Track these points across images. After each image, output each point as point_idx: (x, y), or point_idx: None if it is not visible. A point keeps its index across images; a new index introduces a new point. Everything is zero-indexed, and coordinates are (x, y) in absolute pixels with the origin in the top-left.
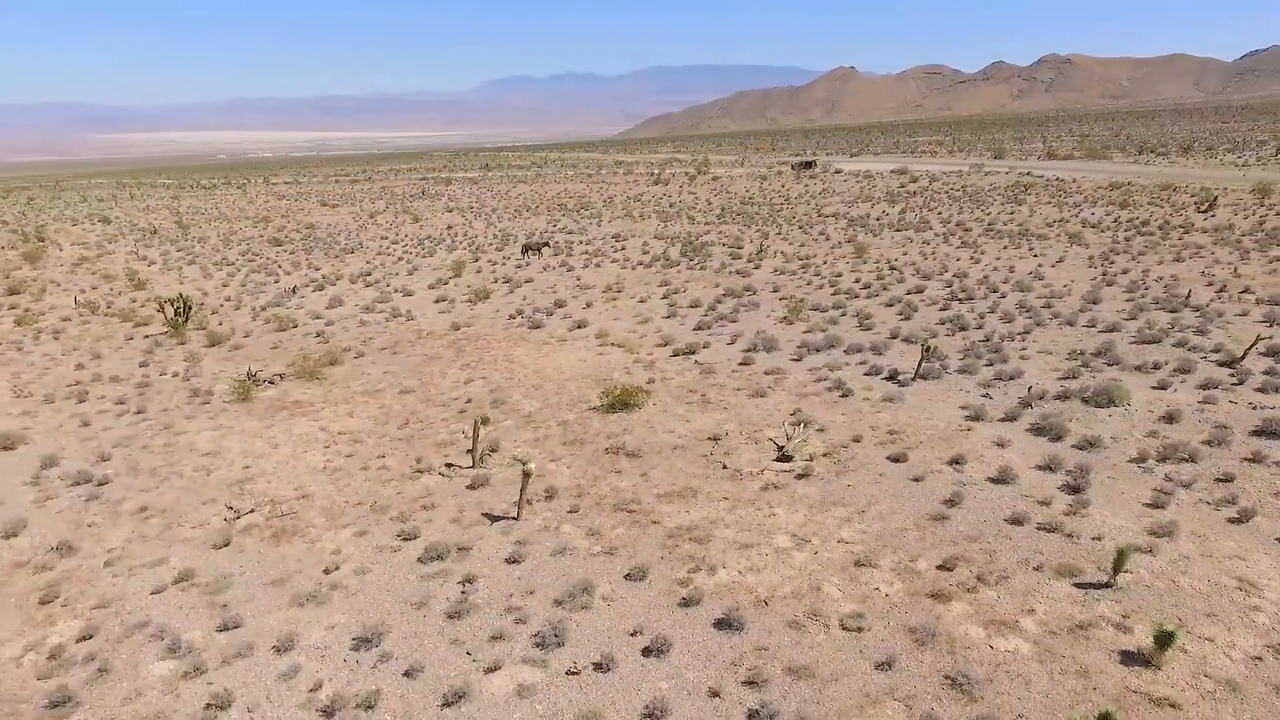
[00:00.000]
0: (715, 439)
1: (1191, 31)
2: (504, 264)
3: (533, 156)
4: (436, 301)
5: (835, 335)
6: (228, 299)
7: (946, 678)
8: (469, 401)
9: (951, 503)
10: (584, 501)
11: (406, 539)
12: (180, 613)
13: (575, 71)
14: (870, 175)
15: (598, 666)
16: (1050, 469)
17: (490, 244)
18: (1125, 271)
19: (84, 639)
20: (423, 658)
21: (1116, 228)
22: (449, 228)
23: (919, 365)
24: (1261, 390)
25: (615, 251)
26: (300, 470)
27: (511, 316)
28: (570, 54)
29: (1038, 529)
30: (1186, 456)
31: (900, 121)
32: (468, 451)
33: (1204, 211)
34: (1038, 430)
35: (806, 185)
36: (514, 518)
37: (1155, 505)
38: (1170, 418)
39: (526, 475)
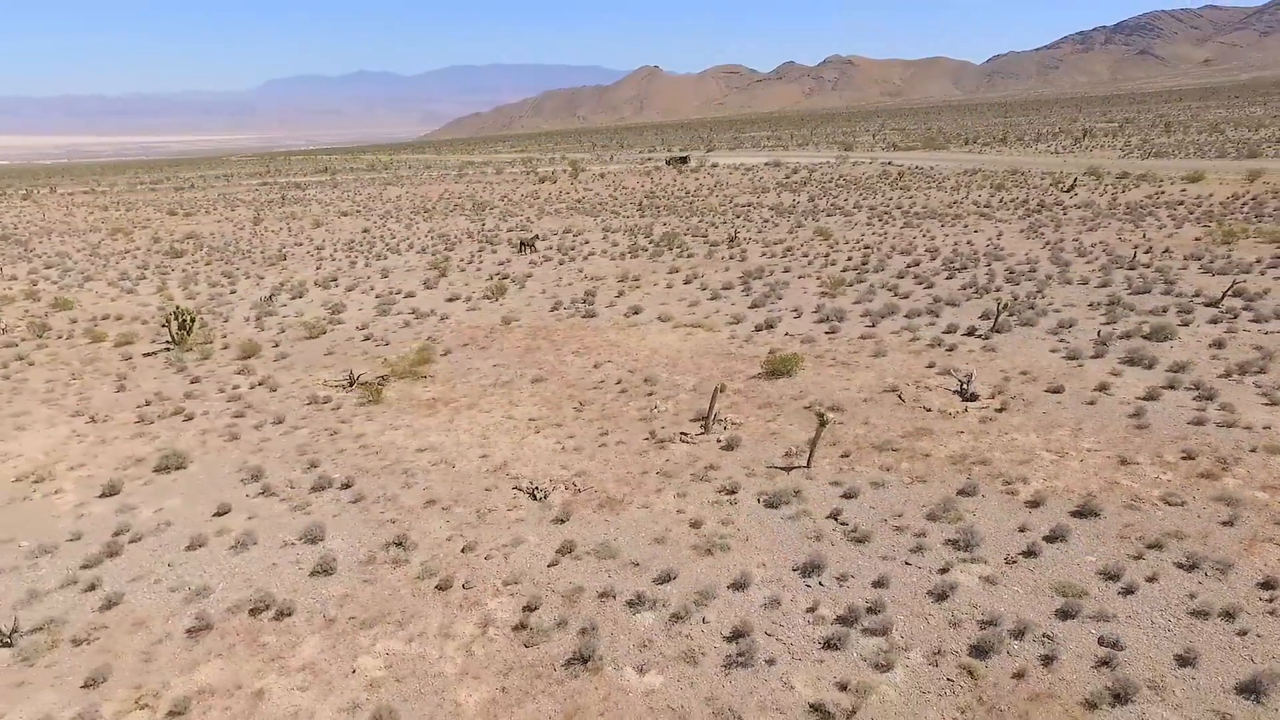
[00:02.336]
0: (893, 390)
1: (948, 36)
2: (481, 262)
3: (360, 160)
4: (449, 300)
5: (891, 304)
6: (199, 310)
7: None
8: (619, 383)
9: (1137, 415)
10: (845, 448)
11: (729, 492)
12: (600, 576)
13: (370, 70)
14: (749, 169)
15: (1026, 554)
16: (1173, 387)
17: (434, 244)
18: (1061, 241)
19: (531, 609)
20: (874, 573)
21: (1003, 207)
22: (365, 231)
23: (995, 320)
24: (1257, 320)
25: (583, 245)
26: (543, 454)
27: (553, 309)
28: (363, 52)
29: (1218, 426)
30: (1259, 369)
31: (707, 119)
32: (696, 421)
33: (1067, 191)
34: (1130, 362)
35: (699, 180)
36: (804, 466)
37: (1273, 403)
38: (1219, 344)
39: (824, 424)
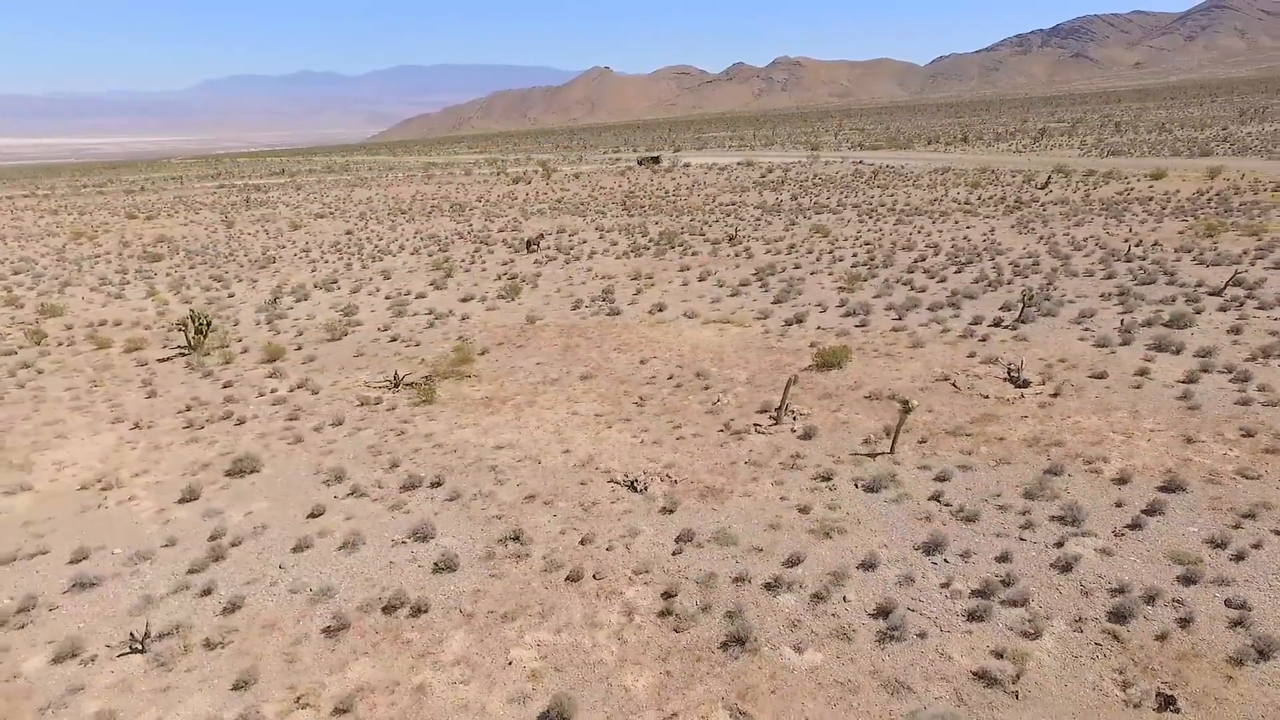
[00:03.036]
0: (945, 379)
1: (891, 38)
2: (483, 262)
3: (313, 161)
4: (464, 301)
5: (911, 298)
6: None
7: None
8: (671, 378)
9: (1185, 398)
10: (919, 434)
11: (825, 479)
12: (728, 562)
13: (313, 71)
14: (722, 168)
15: (1131, 527)
16: (1207, 370)
17: (427, 246)
18: (1052, 235)
19: (670, 596)
20: (994, 549)
21: (984, 204)
22: (348, 233)
23: (1021, 311)
24: (1263, 308)
25: (581, 245)
26: (624, 448)
27: (574, 307)
28: (305, 52)
29: (1264, 405)
30: None
31: (660, 119)
32: (763, 412)
33: (1042, 188)
34: (1158, 348)
35: (675, 180)
36: (887, 451)
37: None
38: (1236, 330)
39: (908, 412)
